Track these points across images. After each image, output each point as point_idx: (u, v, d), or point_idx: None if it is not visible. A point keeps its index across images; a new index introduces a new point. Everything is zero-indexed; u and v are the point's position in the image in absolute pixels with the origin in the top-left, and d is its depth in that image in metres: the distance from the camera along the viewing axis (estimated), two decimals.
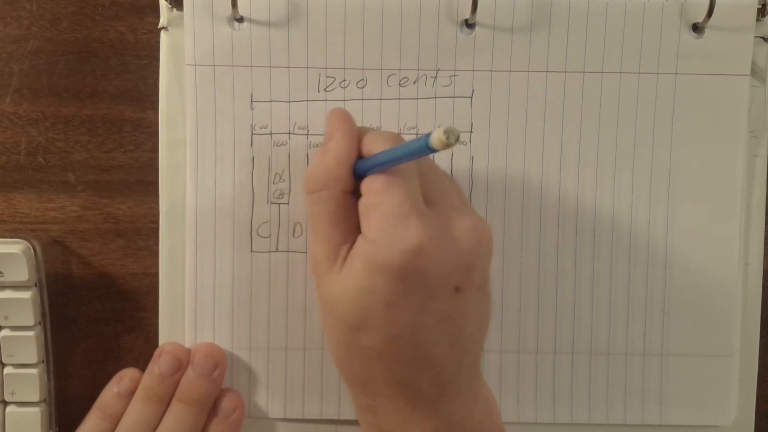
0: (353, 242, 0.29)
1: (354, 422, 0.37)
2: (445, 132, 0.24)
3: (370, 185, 0.28)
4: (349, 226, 0.29)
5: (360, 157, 0.30)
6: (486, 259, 0.30)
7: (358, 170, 0.30)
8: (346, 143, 0.29)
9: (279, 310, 0.37)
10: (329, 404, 0.37)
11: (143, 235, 0.38)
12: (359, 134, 0.30)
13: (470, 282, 0.29)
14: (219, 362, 0.36)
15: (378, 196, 0.28)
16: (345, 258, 0.29)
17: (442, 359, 0.29)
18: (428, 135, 0.24)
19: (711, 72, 0.36)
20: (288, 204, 0.36)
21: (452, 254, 0.28)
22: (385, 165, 0.28)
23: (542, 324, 0.37)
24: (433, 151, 0.25)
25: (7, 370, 0.36)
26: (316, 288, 0.31)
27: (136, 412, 0.35)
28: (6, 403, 0.36)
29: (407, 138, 0.36)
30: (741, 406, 0.38)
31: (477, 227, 0.29)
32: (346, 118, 0.30)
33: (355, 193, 0.30)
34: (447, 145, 0.24)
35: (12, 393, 0.36)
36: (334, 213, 0.29)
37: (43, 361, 0.36)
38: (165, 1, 0.36)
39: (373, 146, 0.29)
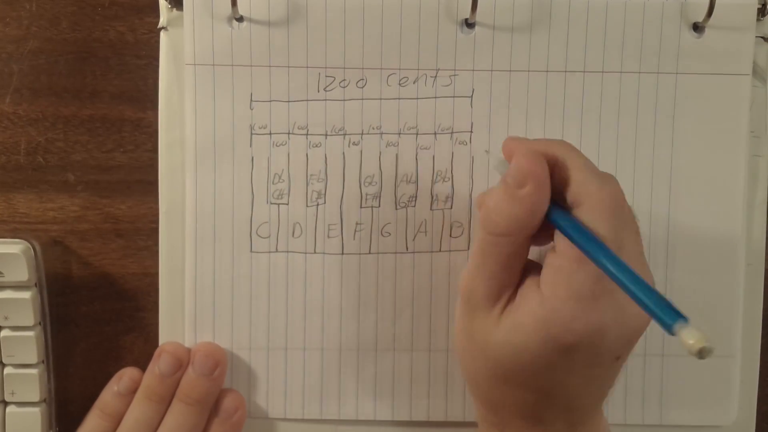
0: (517, 284, 0.28)
1: (354, 422, 0.37)
2: (701, 349, 0.22)
3: (568, 250, 0.27)
4: (518, 268, 0.29)
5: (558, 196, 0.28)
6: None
7: (554, 221, 0.27)
8: (541, 198, 0.27)
9: (279, 310, 0.37)
10: (329, 404, 0.37)
11: (143, 235, 0.38)
12: (559, 167, 0.28)
13: (629, 351, 0.29)
14: (219, 361, 0.36)
15: (574, 264, 0.26)
16: (507, 300, 0.28)
17: (579, 406, 0.29)
18: (675, 321, 0.23)
19: (711, 72, 0.36)
20: (287, 204, 0.36)
21: (626, 333, 0.27)
22: (595, 257, 0.26)
23: None
24: (669, 332, 0.23)
25: (7, 370, 0.36)
26: (462, 315, 0.30)
27: (137, 411, 0.35)
28: (6, 403, 0.36)
29: (406, 138, 0.36)
30: (742, 407, 0.38)
31: None
32: (540, 161, 0.27)
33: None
34: (691, 352, 0.22)
35: (12, 393, 0.36)
36: (510, 257, 0.28)
37: (43, 361, 0.36)
38: (165, 1, 0.36)
39: (590, 216, 0.27)
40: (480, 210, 0.29)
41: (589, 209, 0.27)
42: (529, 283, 0.28)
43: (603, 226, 0.26)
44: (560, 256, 0.27)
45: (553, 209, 0.28)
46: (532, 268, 0.29)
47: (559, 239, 0.27)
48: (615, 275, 0.25)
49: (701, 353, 0.22)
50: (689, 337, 0.22)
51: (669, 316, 0.23)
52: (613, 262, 0.25)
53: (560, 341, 0.26)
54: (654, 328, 0.37)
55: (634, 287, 0.24)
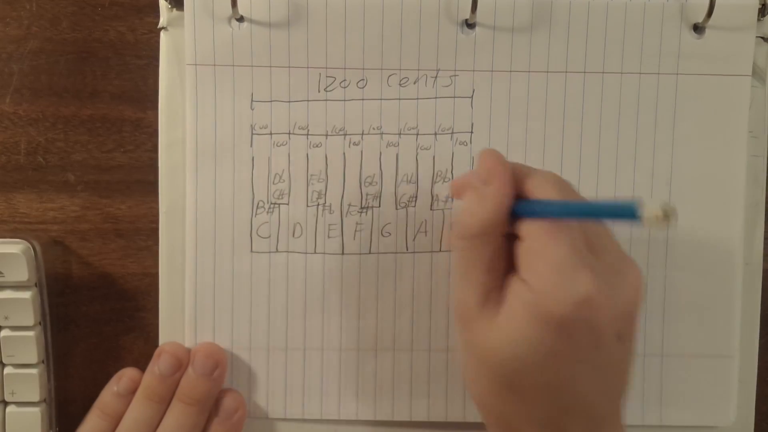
0: (502, 285, 0.29)
1: (354, 422, 0.38)
2: (664, 210, 0.22)
3: (534, 230, 0.28)
4: (501, 269, 0.29)
5: (517, 196, 0.29)
6: (641, 306, 0.29)
7: (518, 212, 0.29)
8: (507, 191, 0.29)
9: (279, 310, 0.37)
10: (329, 404, 0.37)
11: (143, 235, 0.38)
12: (514, 173, 0.29)
13: (631, 331, 0.29)
14: (219, 362, 0.36)
15: (543, 242, 0.27)
16: (496, 302, 0.28)
17: (595, 406, 0.29)
18: (634, 204, 0.24)
19: (712, 72, 0.36)
20: (288, 204, 0.36)
21: (618, 305, 0.27)
22: (562, 216, 0.27)
23: None
24: (633, 220, 0.24)
25: (7, 370, 0.36)
26: (460, 332, 0.30)
27: (137, 411, 0.35)
28: (6, 403, 0.36)
29: (407, 138, 0.36)
30: (741, 407, 0.38)
31: (638, 276, 0.29)
32: (502, 161, 0.29)
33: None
34: (657, 224, 0.23)
35: (12, 393, 0.36)
36: (490, 259, 0.29)
37: (43, 361, 0.36)
38: (165, 1, 0.36)
39: (540, 192, 0.29)
40: (456, 192, 0.31)
41: (537, 186, 0.29)
42: (512, 278, 0.29)
43: (552, 192, 0.29)
44: (529, 240, 0.28)
45: (516, 201, 0.29)
46: (512, 269, 0.29)
47: (524, 227, 0.28)
48: (575, 212, 0.27)
49: (666, 215, 0.23)
50: (651, 211, 0.23)
51: (627, 209, 0.24)
52: (566, 205, 0.28)
53: (552, 317, 0.26)
54: (653, 328, 0.37)
55: (590, 208, 0.28)
